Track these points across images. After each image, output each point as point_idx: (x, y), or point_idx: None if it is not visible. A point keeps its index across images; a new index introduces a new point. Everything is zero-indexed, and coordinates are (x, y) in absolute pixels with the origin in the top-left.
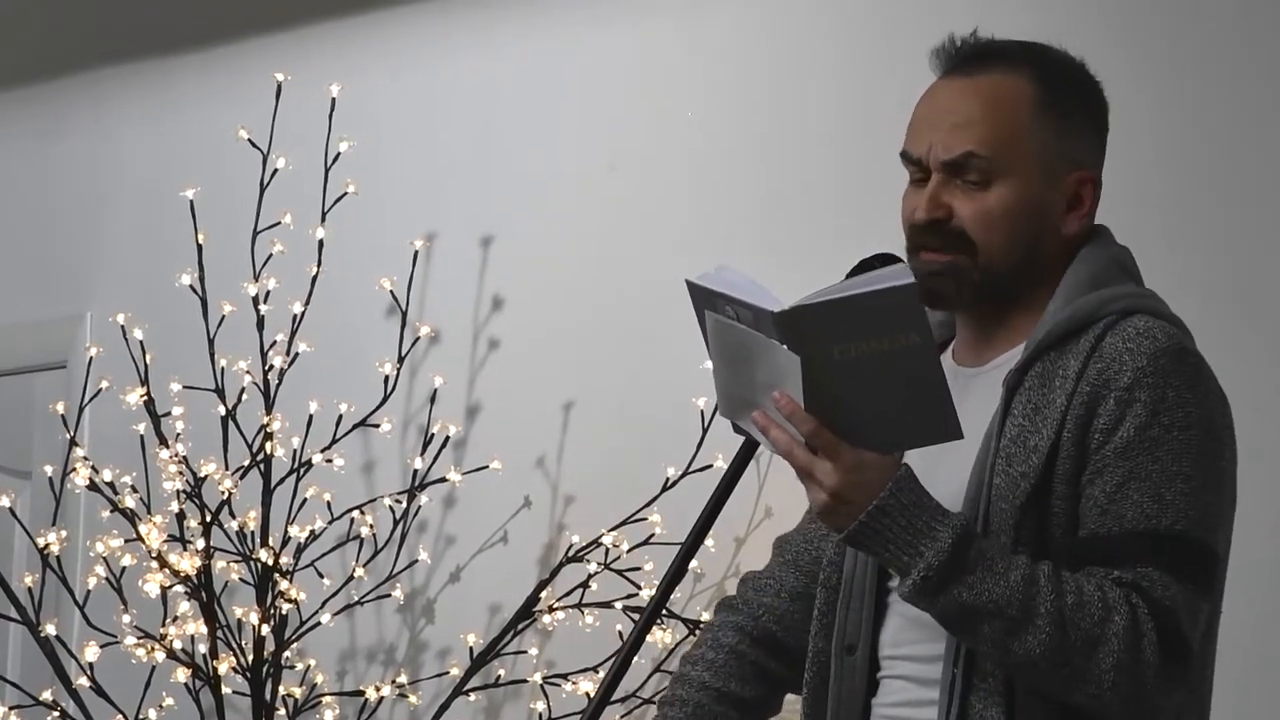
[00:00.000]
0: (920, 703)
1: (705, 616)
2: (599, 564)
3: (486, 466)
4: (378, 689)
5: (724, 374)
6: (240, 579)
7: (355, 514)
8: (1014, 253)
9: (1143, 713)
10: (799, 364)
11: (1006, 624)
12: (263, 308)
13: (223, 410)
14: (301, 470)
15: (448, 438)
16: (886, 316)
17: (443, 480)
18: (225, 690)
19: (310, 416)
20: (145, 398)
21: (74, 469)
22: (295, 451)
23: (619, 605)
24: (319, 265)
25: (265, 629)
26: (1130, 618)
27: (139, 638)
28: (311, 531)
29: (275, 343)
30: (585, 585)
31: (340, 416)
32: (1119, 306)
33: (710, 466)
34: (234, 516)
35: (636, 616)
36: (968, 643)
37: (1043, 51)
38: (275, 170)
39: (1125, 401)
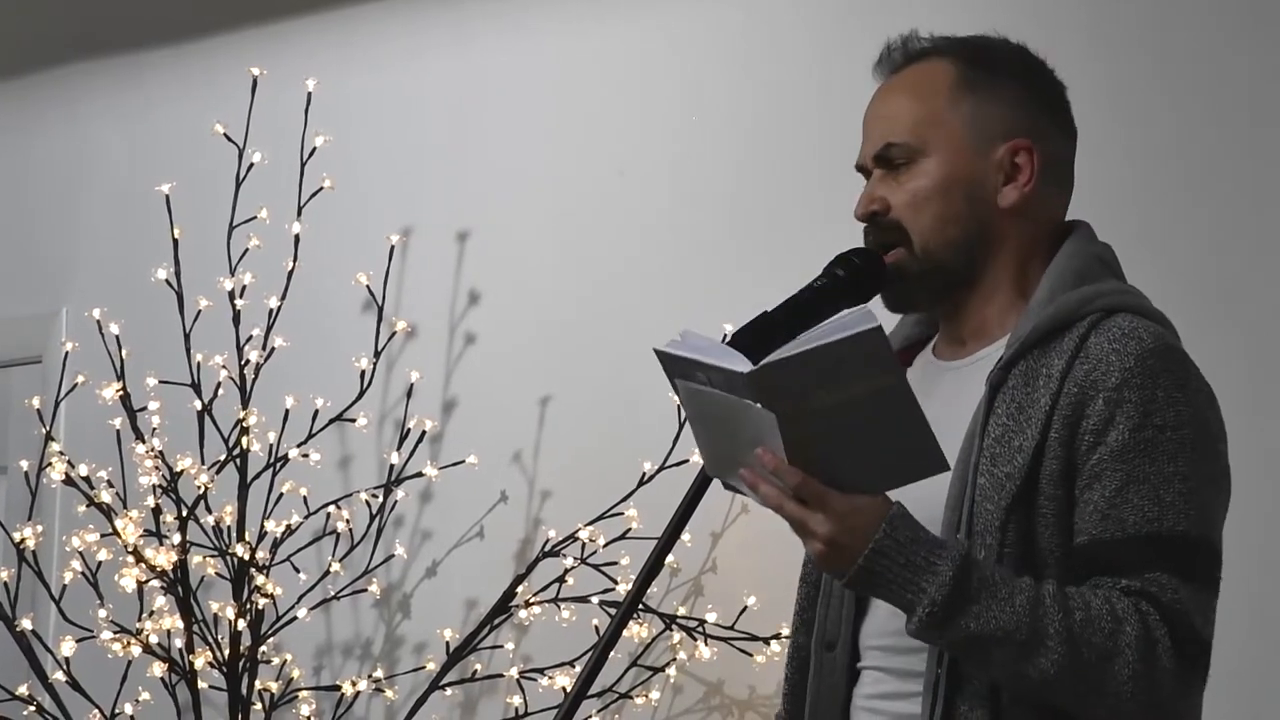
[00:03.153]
0: (897, 695)
1: (681, 611)
2: (575, 559)
3: (463, 461)
4: (354, 684)
5: (705, 437)
6: (216, 574)
7: (331, 509)
8: (947, 230)
9: (1165, 717)
10: (775, 420)
11: (1017, 649)
12: (239, 303)
13: (199, 405)
14: (278, 465)
15: (424, 433)
16: (854, 363)
17: (419, 475)
18: (201, 685)
19: (286, 411)
20: (121, 393)
21: (50, 464)
22: (271, 446)
23: (595, 600)
24: (295, 260)
25: (241, 624)
26: (1141, 626)
27: (115, 633)
28: (288, 526)
29: (251, 338)
30: (561, 580)
31: (316, 411)
32: (1103, 304)
33: (686, 461)
34: (210, 511)
35: (613, 611)
36: (982, 672)
37: (969, 37)
38: (251, 165)
39: (1114, 402)
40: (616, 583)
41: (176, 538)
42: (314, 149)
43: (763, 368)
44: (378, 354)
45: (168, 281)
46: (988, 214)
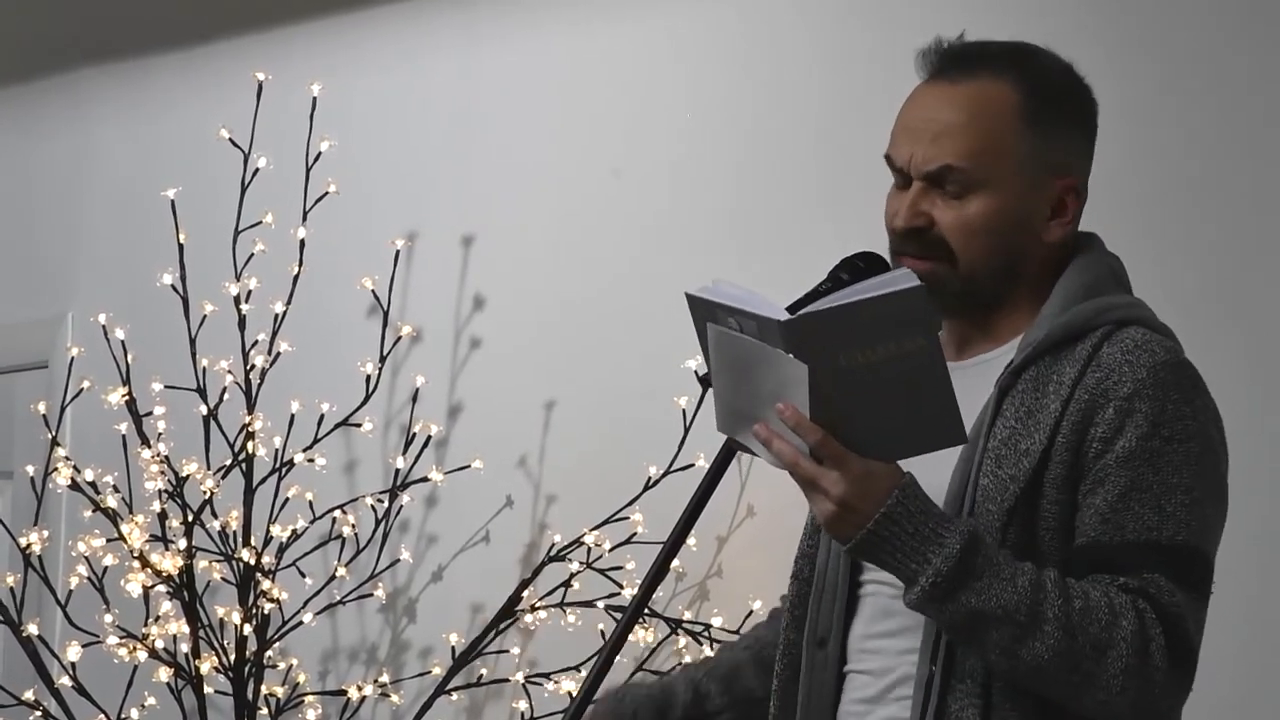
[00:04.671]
0: (887, 699)
1: (687, 615)
2: (581, 563)
3: (468, 466)
4: (360, 688)
5: (725, 388)
6: (222, 578)
7: (337, 513)
8: (994, 261)
9: (1151, 718)
10: (805, 373)
11: (1015, 630)
12: (244, 307)
13: (204, 410)
14: (283, 470)
15: (429, 437)
16: (894, 321)
17: (424, 480)
18: (207, 690)
19: (292, 416)
20: (127, 398)
21: (56, 469)
22: (277, 451)
23: (601, 604)
24: (300, 265)
25: (247, 628)
26: (1138, 623)
27: (121, 637)
28: (293, 531)
29: (257, 342)
30: (567, 584)
31: (322, 416)
32: (1115, 316)
33: (692, 465)
34: (216, 516)
35: (618, 616)
36: (975, 652)
37: (1030, 55)
38: (256, 170)
39: (1125, 411)
40: (622, 587)
41: (182, 542)
42: (319, 154)
43: (802, 317)
44: (383, 358)
45: (173, 286)
46: (1032, 246)
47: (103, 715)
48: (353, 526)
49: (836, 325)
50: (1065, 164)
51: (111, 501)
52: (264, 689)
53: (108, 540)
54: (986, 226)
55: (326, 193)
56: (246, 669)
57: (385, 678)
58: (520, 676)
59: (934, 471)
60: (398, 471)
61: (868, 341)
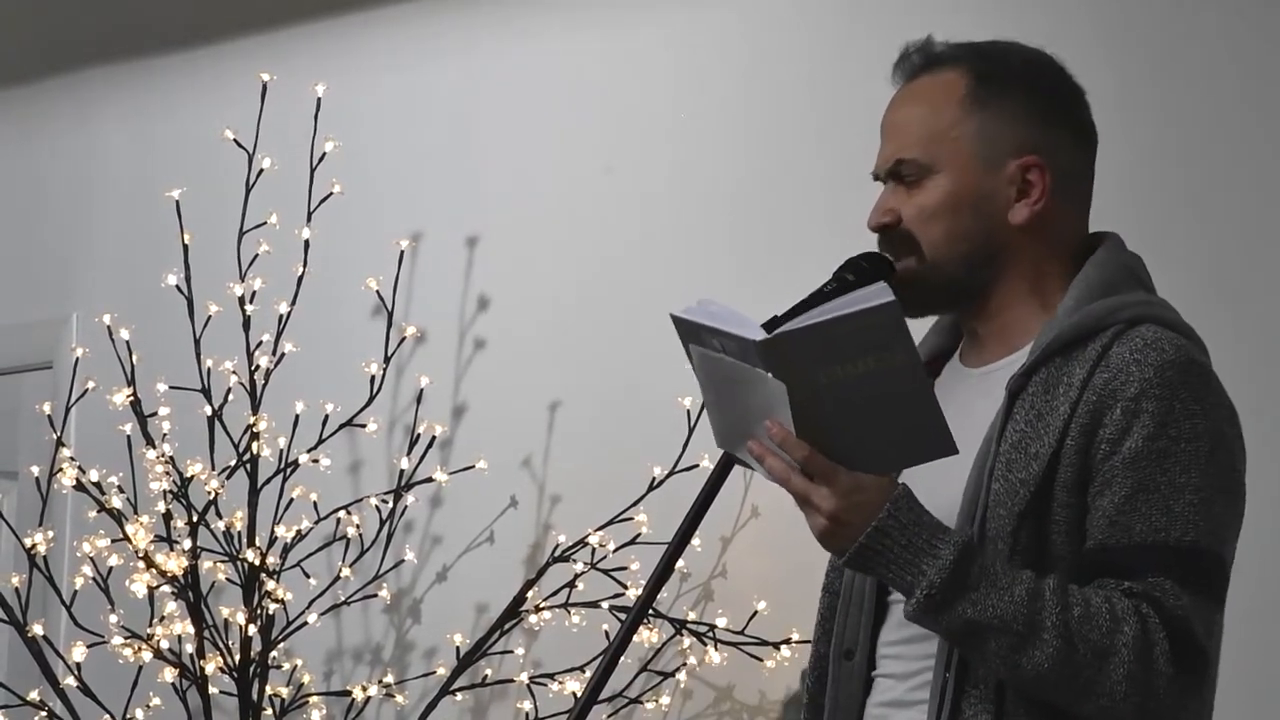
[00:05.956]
0: (906, 703)
1: (691, 616)
2: (585, 564)
3: (473, 466)
4: (364, 689)
5: (715, 407)
6: (227, 579)
7: (342, 514)
8: (957, 245)
9: None
10: (785, 391)
11: (1013, 639)
12: (249, 308)
13: (209, 410)
14: (288, 470)
15: (434, 438)
16: (869, 336)
17: (429, 480)
18: (212, 690)
19: (296, 417)
20: (131, 398)
21: (60, 469)
22: (281, 452)
23: (605, 605)
24: (305, 265)
25: (252, 629)
26: (1140, 628)
27: (126, 638)
28: (298, 532)
29: (261, 343)
30: (572, 585)
31: (326, 417)
32: (1127, 315)
33: (696, 466)
34: (220, 517)
35: (623, 616)
36: (976, 661)
37: (989, 45)
38: (261, 170)
39: (1132, 412)
40: (626, 588)
41: (187, 543)
42: (323, 154)
43: (777, 336)
44: (387, 359)
45: (178, 287)
46: (998, 230)
47: (108, 716)
48: (357, 527)
49: (812, 343)
50: (1020, 142)
51: (116, 502)
52: (268, 689)
53: (112, 541)
54: (941, 209)
55: (331, 193)
56: (251, 669)
57: (390, 678)
58: (525, 677)
59: (948, 478)
60: (402, 472)
61: (845, 357)
